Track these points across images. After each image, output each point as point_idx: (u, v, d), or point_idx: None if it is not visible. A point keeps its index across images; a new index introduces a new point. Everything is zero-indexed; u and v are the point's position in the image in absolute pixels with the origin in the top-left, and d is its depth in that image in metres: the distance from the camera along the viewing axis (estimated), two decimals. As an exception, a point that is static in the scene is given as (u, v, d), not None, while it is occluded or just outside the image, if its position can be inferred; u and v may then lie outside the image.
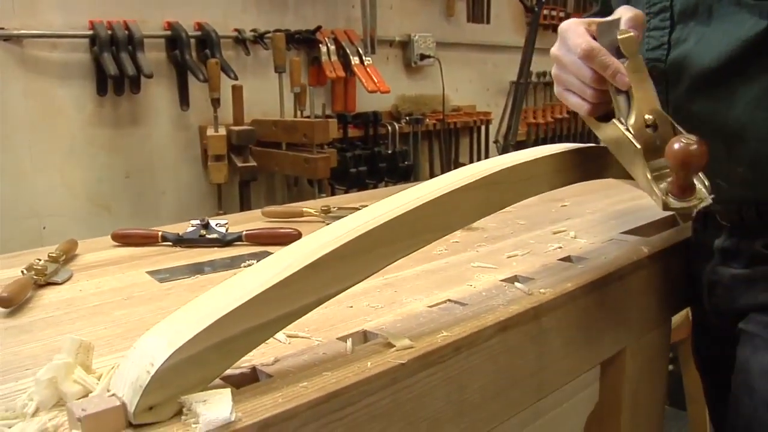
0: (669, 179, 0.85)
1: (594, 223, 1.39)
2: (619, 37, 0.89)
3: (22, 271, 1.02)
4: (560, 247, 1.17)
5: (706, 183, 0.84)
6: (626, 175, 1.25)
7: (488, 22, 3.73)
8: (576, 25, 0.93)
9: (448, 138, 3.41)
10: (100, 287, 1.01)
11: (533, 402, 0.88)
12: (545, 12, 3.96)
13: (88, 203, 2.45)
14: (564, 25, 0.94)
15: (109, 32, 2.37)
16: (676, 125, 0.88)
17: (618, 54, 0.89)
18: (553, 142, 4.15)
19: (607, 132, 0.94)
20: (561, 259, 1.09)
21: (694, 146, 0.77)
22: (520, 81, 2.45)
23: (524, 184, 0.91)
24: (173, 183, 2.64)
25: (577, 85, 0.94)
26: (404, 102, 3.25)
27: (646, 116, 0.88)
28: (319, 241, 0.66)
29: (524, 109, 3.92)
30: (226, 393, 0.56)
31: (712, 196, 0.84)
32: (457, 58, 3.61)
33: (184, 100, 2.60)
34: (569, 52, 0.93)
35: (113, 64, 2.34)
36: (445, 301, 0.87)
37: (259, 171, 2.55)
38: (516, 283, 0.94)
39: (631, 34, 0.89)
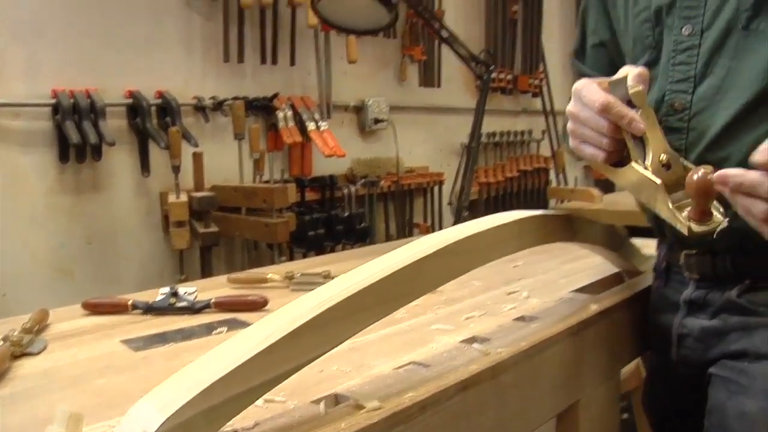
0: (688, 209, 0.95)
1: (545, 282, 1.47)
2: (630, 91, 1.00)
3: (-2, 343, 1.05)
4: (514, 308, 1.24)
5: (720, 209, 0.94)
6: (592, 241, 1.34)
7: (439, 86, 3.85)
8: (589, 84, 1.03)
9: (402, 199, 3.49)
10: (76, 357, 1.04)
11: (494, 456, 0.94)
12: (494, 75, 4.10)
13: (49, 270, 2.46)
14: (578, 85, 1.04)
15: (72, 101, 2.41)
16: (686, 162, 0.98)
17: (629, 106, 1.00)
18: (504, 199, 4.27)
19: (626, 174, 1.03)
20: (515, 319, 1.16)
21: (712, 175, 0.87)
22: (471, 145, 2.54)
23: (486, 251, 0.98)
24: (135, 248, 2.67)
25: (594, 136, 1.03)
26: (360, 165, 3.33)
27: (661, 156, 0.98)
28: (297, 311, 0.72)
29: (476, 169, 4.02)
30: (215, 455, 0.61)
31: (727, 218, 0.93)
32: (410, 120, 3.72)
33: (145, 166, 2.64)
34: (585, 107, 1.03)
35: (76, 132, 2.38)
36: (409, 363, 0.93)
37: (220, 236, 2.59)
38: (474, 344, 1.00)
39: (641, 88, 0.99)
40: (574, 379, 1.15)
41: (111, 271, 2.60)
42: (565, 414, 1.16)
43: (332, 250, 2.97)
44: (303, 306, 0.72)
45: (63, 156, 2.46)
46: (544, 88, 4.58)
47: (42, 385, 0.92)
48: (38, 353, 1.06)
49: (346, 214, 3.05)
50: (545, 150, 4.59)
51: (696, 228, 0.94)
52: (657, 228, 1.23)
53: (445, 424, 0.82)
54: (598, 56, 1.31)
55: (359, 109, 3.47)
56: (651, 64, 1.13)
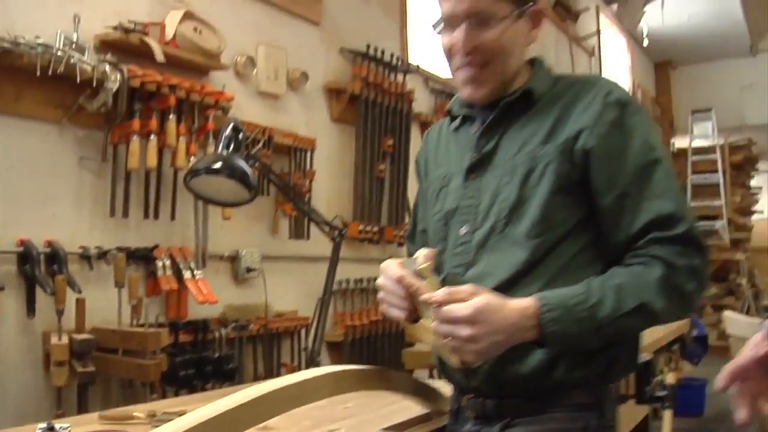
0: None
1: (364, 421, 1.81)
2: (416, 268, 1.41)
3: None
4: (328, 444, 1.59)
5: None
6: (401, 389, 1.71)
7: (308, 238, 4.22)
8: (391, 262, 1.47)
9: (270, 341, 3.81)
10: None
11: None
12: (361, 227, 4.54)
13: (-72, 406, 2.61)
14: (384, 265, 1.48)
15: (-36, 250, 2.66)
16: None
17: (420, 277, 1.40)
18: (369, 340, 4.63)
19: (419, 329, 1.44)
20: (324, 454, 1.50)
21: None
22: (324, 297, 2.92)
23: (301, 397, 1.32)
24: (14, 384, 2.83)
25: (396, 301, 1.45)
26: (232, 310, 3.62)
27: None
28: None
29: (342, 313, 4.41)
30: None
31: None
32: (282, 269, 4.07)
33: (31, 309, 2.85)
34: (389, 280, 1.45)
35: (-33, 279, 2.62)
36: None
37: (97, 374, 2.80)
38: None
39: (425, 265, 1.41)
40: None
41: (-10, 405, 2.77)
42: None
43: (203, 389, 3.23)
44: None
45: (-47, 299, 2.68)
46: (409, 239, 5.03)
47: None
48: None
49: (216, 355, 3.32)
50: (408, 295, 4.98)
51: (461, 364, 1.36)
52: (447, 378, 1.63)
53: None
54: (425, 239, 1.75)
55: (234, 259, 3.80)
56: (442, 251, 1.55)
